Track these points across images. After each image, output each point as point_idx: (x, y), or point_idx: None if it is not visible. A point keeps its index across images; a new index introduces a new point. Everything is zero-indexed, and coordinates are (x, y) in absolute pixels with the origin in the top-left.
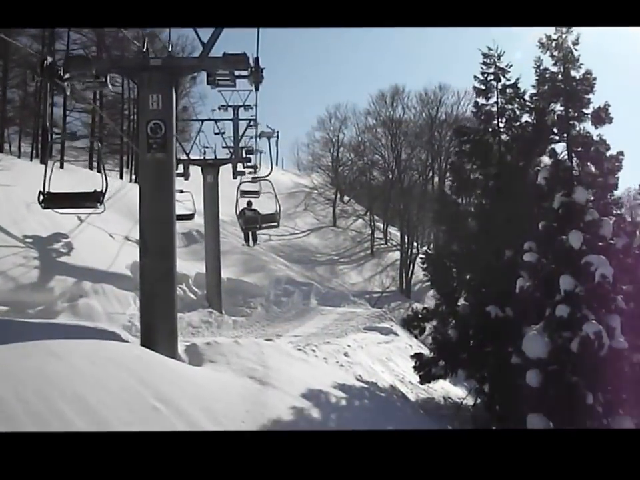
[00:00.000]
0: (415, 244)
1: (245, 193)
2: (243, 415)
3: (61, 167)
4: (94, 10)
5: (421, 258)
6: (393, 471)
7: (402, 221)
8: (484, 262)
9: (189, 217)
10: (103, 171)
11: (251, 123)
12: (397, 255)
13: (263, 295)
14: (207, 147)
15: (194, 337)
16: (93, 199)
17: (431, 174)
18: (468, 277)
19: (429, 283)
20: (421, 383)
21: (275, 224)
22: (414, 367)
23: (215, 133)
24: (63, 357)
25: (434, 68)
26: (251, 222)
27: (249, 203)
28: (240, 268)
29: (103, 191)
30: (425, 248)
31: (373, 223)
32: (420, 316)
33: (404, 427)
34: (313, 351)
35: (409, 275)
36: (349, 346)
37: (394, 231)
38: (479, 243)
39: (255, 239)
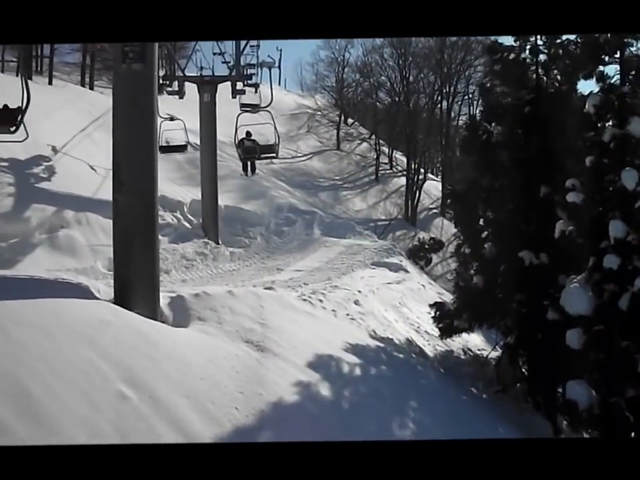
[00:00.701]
0: (422, 170)
1: (244, 106)
2: (235, 399)
3: (50, 83)
4: (92, 25)
5: (445, 193)
6: None
7: (408, 145)
8: (515, 199)
9: (181, 148)
10: (23, 82)
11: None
12: (403, 181)
13: (263, 224)
14: (203, 68)
15: (188, 271)
16: (5, 120)
17: (439, 98)
18: (496, 215)
19: (435, 211)
20: (441, 337)
21: (274, 155)
22: (433, 318)
23: (214, 54)
24: (4, 328)
25: None
26: (250, 152)
27: (248, 133)
28: (239, 194)
29: (22, 107)
30: (440, 178)
31: (378, 147)
32: (426, 246)
33: (426, 396)
34: (320, 301)
35: (415, 203)
36: (359, 292)
37: (399, 156)
38: (509, 177)
39: (253, 169)
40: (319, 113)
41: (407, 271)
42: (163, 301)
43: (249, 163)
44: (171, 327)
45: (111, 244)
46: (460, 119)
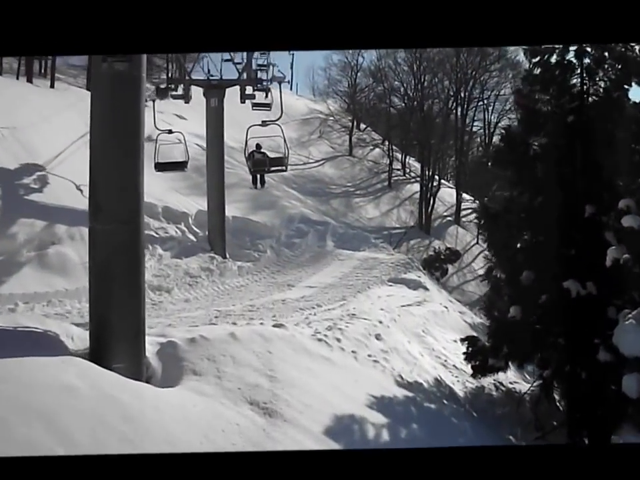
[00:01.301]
0: (436, 177)
1: (256, 105)
2: None
3: (52, 86)
4: (100, 36)
5: (475, 210)
6: None
7: (422, 151)
8: (557, 220)
9: (179, 166)
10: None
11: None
12: (416, 187)
13: (273, 236)
14: (211, 76)
15: (191, 289)
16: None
17: (454, 104)
18: (535, 238)
19: (449, 219)
20: (474, 376)
21: (283, 168)
22: (465, 354)
23: (224, 60)
24: None
25: None
26: (259, 165)
27: (258, 146)
28: (248, 204)
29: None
30: (454, 185)
31: (391, 153)
32: (442, 257)
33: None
34: (338, 340)
35: (429, 210)
36: (380, 322)
37: (412, 162)
38: (550, 194)
39: (262, 182)
40: (331, 118)
41: (426, 289)
42: (151, 348)
43: (258, 176)
44: (158, 387)
45: None
46: (474, 124)
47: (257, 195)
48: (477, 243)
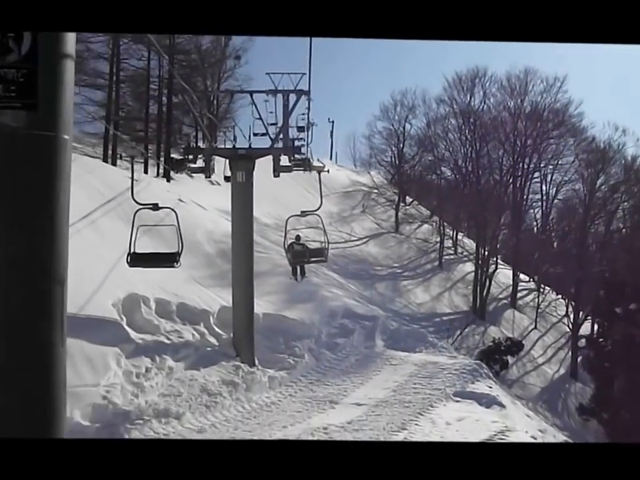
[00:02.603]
0: (494, 258)
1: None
2: None
3: None
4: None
5: None
6: None
7: (478, 228)
8: None
9: (166, 259)
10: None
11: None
12: (468, 267)
13: (312, 336)
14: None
15: (209, 411)
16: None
17: (510, 175)
18: None
19: (505, 302)
20: None
21: (323, 259)
22: None
23: (256, 134)
24: None
25: (518, 48)
26: (299, 256)
27: (297, 237)
28: (281, 297)
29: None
30: (511, 266)
31: (442, 230)
32: (503, 348)
33: None
34: None
35: (484, 293)
36: None
37: (463, 239)
38: None
39: (303, 273)
40: (375, 191)
41: (502, 406)
42: None
43: (298, 268)
44: None
45: (99, 382)
46: (531, 196)
47: (292, 285)
48: (535, 327)
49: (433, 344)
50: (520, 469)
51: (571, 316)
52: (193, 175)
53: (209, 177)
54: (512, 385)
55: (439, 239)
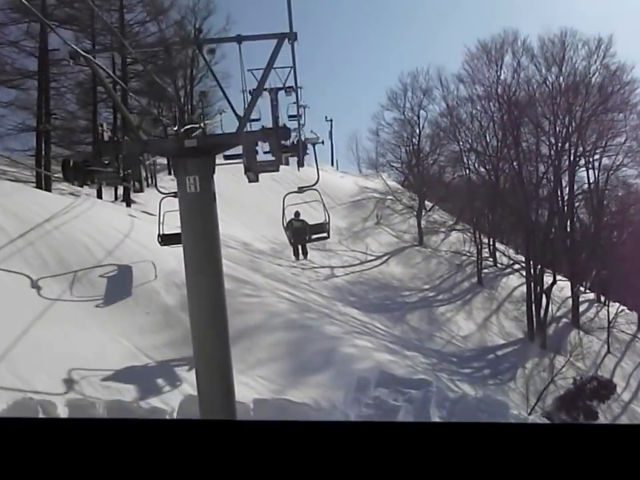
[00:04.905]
0: (549, 268)
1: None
2: None
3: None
4: None
5: None
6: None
7: (527, 234)
8: None
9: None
10: None
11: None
12: (513, 281)
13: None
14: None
15: None
16: None
17: (566, 163)
18: None
19: (566, 320)
20: None
21: (325, 234)
22: None
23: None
24: None
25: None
26: (300, 233)
27: (297, 214)
28: (283, 366)
29: None
30: (569, 278)
31: (479, 238)
32: (588, 391)
33: None
34: None
35: (541, 313)
36: None
37: (501, 247)
38: None
39: (305, 253)
40: (390, 197)
41: None
42: None
43: (299, 247)
44: None
45: None
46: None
47: (297, 340)
48: (609, 351)
49: (515, 416)
50: (518, 450)
51: None
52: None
53: (141, 189)
54: None
55: (474, 249)
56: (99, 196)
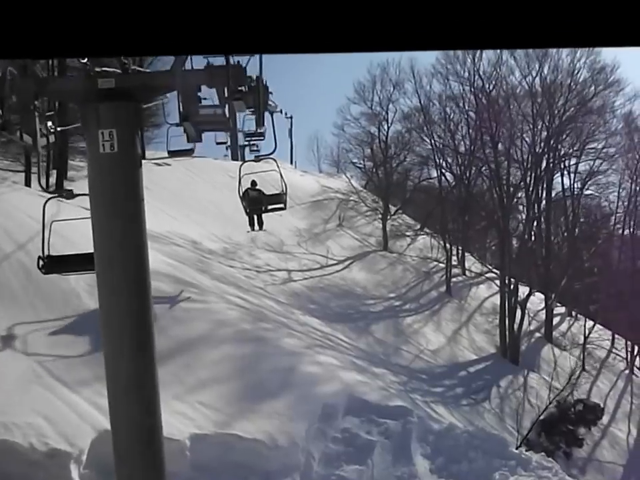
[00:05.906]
0: (524, 279)
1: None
2: None
3: None
4: (94, 38)
5: None
6: None
7: (503, 241)
8: None
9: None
10: None
11: None
12: (482, 291)
13: (295, 469)
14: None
15: None
16: None
17: (537, 171)
18: None
19: (539, 335)
20: None
21: (282, 205)
22: None
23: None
24: None
25: None
26: (255, 203)
27: (253, 183)
28: (230, 389)
29: None
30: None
31: (449, 245)
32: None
33: None
34: None
35: (515, 328)
36: None
37: (468, 256)
38: None
39: (260, 224)
40: (352, 198)
41: None
42: None
43: (255, 217)
44: None
45: None
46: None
47: (250, 357)
48: (584, 369)
49: (516, 463)
50: None
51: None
52: None
53: (35, 148)
54: (585, 467)
55: (445, 257)
56: (27, 183)
